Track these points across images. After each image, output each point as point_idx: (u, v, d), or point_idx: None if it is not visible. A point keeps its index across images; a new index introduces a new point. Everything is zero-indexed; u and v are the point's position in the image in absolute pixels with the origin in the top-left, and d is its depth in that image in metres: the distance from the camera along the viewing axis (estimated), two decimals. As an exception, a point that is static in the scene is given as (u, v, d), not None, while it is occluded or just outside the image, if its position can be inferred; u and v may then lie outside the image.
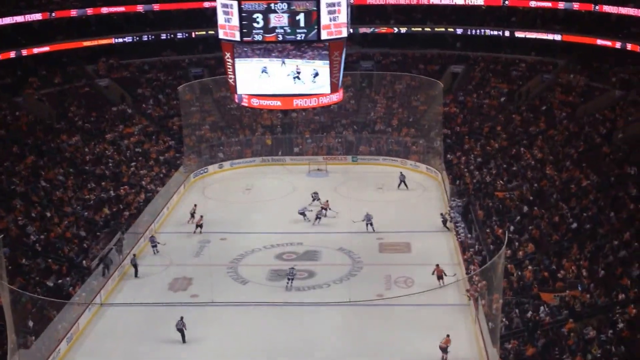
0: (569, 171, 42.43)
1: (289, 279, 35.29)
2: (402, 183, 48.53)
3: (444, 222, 41.95)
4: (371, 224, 41.60)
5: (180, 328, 30.86)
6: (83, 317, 32.13)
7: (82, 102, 56.55)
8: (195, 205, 44.23)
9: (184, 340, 30.76)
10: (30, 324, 29.85)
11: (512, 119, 53.94)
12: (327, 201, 44.22)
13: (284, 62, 33.57)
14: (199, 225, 42.22)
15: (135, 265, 37.31)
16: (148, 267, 38.20)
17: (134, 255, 38.22)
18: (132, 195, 44.95)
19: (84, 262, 36.32)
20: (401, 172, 49.34)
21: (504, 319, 29.39)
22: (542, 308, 30.00)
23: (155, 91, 61.36)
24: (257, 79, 33.91)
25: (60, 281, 33.82)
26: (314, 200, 45.51)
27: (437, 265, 34.66)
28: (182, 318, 31.02)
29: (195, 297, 34.45)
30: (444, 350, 29.00)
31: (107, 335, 31.63)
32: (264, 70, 33.77)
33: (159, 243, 39.85)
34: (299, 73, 33.66)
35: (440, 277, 34.17)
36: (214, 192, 49.12)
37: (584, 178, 40.55)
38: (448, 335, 29.19)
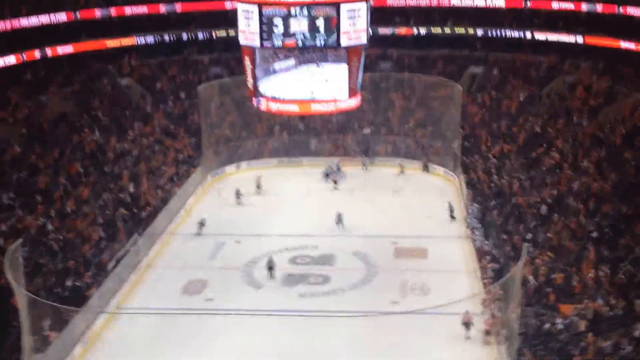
0: (589, 176, 41.94)
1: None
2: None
3: (451, 212, 43.11)
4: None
5: (271, 266, 36.03)
6: (98, 321, 32.16)
7: (104, 100, 56.87)
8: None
9: (272, 276, 35.96)
10: (47, 323, 29.43)
11: (531, 120, 53.47)
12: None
13: (304, 66, 33.68)
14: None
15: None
16: (162, 269, 38.46)
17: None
18: (150, 195, 44.92)
19: (101, 262, 36.34)
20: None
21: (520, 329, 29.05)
22: (559, 320, 29.64)
23: (175, 89, 61.58)
24: (276, 83, 33.94)
25: (77, 283, 33.73)
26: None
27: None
28: (271, 256, 36.34)
29: (209, 301, 34.36)
30: (467, 325, 30.07)
31: (122, 340, 31.39)
32: (283, 75, 33.89)
33: (242, 195, 47.06)
34: (318, 78, 33.69)
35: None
36: (230, 194, 48.25)
37: (604, 184, 40.05)
38: (467, 311, 30.18)
